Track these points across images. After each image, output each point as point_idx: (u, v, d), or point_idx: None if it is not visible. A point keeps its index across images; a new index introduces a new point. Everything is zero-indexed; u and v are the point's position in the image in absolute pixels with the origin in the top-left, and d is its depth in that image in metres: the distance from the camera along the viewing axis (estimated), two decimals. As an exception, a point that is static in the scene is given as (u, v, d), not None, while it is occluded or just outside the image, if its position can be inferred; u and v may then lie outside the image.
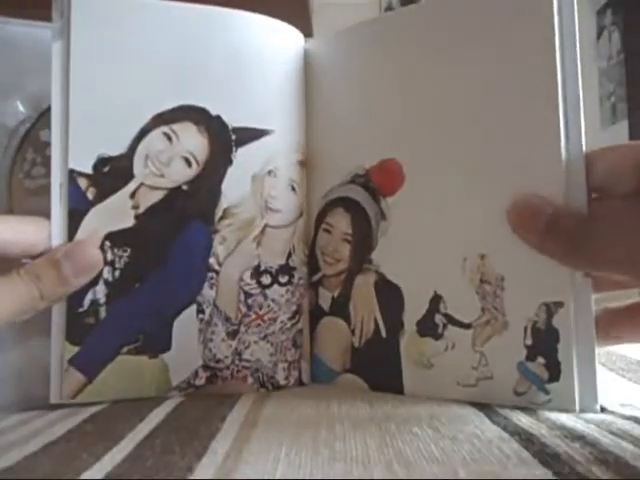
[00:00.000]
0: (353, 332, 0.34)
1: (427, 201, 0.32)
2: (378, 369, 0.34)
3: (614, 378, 0.35)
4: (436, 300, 0.31)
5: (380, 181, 0.34)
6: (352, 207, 0.35)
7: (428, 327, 0.32)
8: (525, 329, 0.28)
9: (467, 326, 0.30)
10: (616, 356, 0.40)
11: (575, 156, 0.28)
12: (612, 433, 0.24)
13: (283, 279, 0.35)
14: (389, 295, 0.33)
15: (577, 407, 0.27)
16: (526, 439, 0.23)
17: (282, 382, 0.34)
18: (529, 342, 0.28)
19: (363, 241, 0.34)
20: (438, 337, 0.31)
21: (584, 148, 0.28)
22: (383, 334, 0.33)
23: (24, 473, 0.21)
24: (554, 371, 0.28)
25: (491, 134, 0.30)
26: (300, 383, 0.35)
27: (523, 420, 0.26)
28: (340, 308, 0.35)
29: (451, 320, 0.31)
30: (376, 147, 0.34)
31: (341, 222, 0.35)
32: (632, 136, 1.81)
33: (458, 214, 0.31)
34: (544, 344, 0.28)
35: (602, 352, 0.42)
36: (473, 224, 0.30)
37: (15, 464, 0.22)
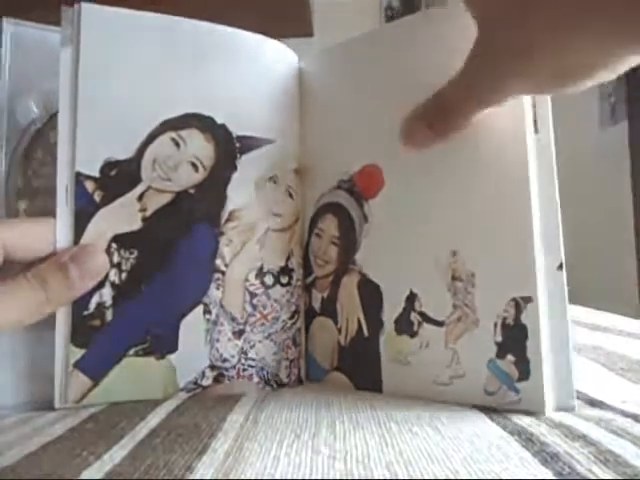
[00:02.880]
0: (340, 331, 0.35)
1: (404, 202, 0.33)
2: (361, 367, 0.34)
3: (614, 378, 0.35)
4: (411, 298, 0.32)
5: (362, 184, 0.35)
6: (339, 211, 0.36)
7: (404, 325, 0.32)
8: (495, 325, 0.28)
9: (440, 324, 0.30)
10: (617, 356, 0.40)
11: (546, 143, 0.28)
12: (612, 432, 0.24)
13: (284, 280, 0.35)
14: (370, 294, 0.34)
15: (546, 407, 0.27)
16: (526, 439, 0.23)
17: (285, 380, 0.35)
18: (499, 339, 0.28)
19: (348, 243, 0.35)
20: (414, 335, 0.31)
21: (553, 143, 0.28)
22: (366, 333, 0.34)
23: (24, 472, 0.21)
24: (523, 369, 0.27)
25: (460, 140, 0.30)
26: (299, 381, 0.36)
27: (523, 419, 0.26)
28: (329, 308, 0.36)
29: (425, 318, 0.31)
30: (360, 154, 0.35)
31: (330, 226, 0.36)
32: (632, 136, 1.79)
33: (431, 213, 0.31)
34: (513, 341, 0.28)
35: (602, 352, 0.42)
36: (445, 222, 0.31)
37: (16, 463, 0.22)
